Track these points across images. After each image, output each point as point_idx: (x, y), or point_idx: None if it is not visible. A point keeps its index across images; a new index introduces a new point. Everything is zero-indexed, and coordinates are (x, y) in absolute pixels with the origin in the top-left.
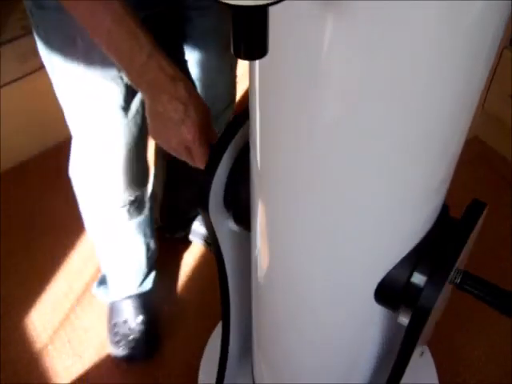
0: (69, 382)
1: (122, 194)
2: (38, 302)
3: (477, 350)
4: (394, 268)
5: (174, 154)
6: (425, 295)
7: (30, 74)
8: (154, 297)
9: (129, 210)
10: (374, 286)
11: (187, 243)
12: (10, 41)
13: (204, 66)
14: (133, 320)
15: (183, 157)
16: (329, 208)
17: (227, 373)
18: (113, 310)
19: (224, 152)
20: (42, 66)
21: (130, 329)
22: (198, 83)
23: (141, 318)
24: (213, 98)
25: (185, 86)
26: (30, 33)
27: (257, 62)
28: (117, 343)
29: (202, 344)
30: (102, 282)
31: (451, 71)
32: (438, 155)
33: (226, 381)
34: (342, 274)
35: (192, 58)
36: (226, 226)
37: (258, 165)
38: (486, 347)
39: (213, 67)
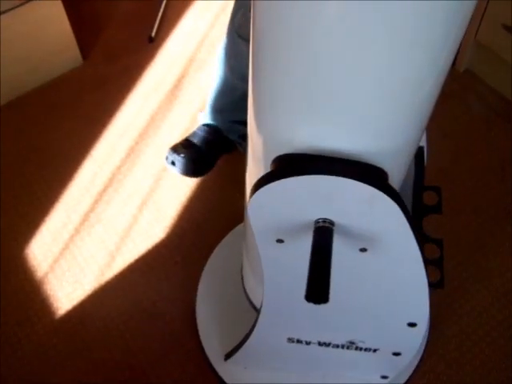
0: (70, 307)
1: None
2: (37, 233)
3: (465, 271)
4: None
5: None
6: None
7: (31, 0)
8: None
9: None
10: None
11: None
12: None
13: None
14: (200, 145)
15: None
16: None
17: None
18: (196, 132)
19: None
20: None
21: (192, 147)
22: None
23: (206, 149)
24: None
25: None
26: None
27: None
28: (175, 147)
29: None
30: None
31: None
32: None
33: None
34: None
35: None
36: None
37: None
38: (474, 269)
39: None
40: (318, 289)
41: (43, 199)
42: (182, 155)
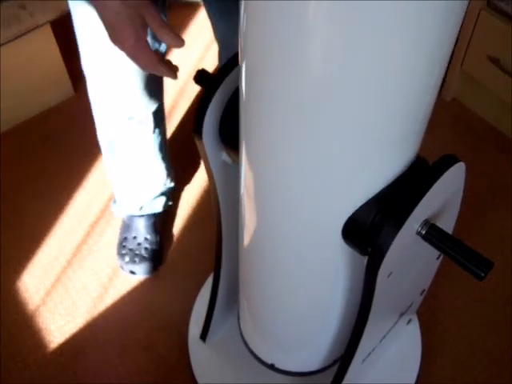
0: (62, 340)
1: (123, 110)
2: (29, 265)
3: (457, 299)
4: (362, 207)
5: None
6: (382, 235)
7: (23, 35)
8: (167, 219)
9: (130, 127)
10: (342, 222)
11: None
12: None
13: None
14: (142, 237)
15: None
16: (305, 142)
17: (215, 317)
18: (125, 225)
19: (220, 84)
20: (34, 28)
21: (137, 244)
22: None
23: (149, 236)
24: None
25: None
26: None
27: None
28: (122, 255)
29: (202, 272)
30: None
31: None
32: (407, 99)
33: (213, 325)
34: (312, 207)
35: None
36: (220, 158)
37: (243, 96)
38: (466, 296)
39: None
40: (479, 259)
41: (35, 231)
42: (136, 260)
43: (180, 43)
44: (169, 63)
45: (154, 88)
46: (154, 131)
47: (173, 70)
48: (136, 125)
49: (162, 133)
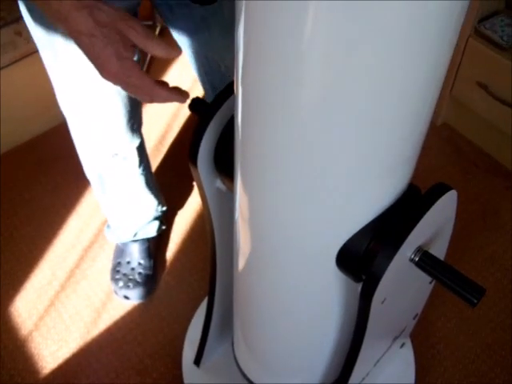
0: (55, 366)
1: (107, 147)
2: (22, 290)
3: (449, 322)
4: (356, 234)
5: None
6: (376, 262)
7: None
8: (161, 243)
9: (116, 163)
10: (337, 250)
11: None
12: None
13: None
14: (135, 262)
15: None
16: (299, 172)
17: (209, 342)
18: (118, 249)
19: (215, 112)
20: (30, 53)
21: (131, 269)
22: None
23: (143, 261)
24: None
25: (89, 13)
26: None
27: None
28: (116, 280)
29: (196, 297)
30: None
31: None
32: (402, 130)
33: (207, 350)
34: (307, 235)
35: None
36: (214, 185)
37: (240, 133)
38: (458, 319)
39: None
40: (472, 286)
41: (28, 255)
42: (130, 285)
43: (174, 53)
44: (177, 89)
45: (135, 123)
46: (139, 166)
47: (176, 92)
48: (121, 161)
49: (147, 166)
